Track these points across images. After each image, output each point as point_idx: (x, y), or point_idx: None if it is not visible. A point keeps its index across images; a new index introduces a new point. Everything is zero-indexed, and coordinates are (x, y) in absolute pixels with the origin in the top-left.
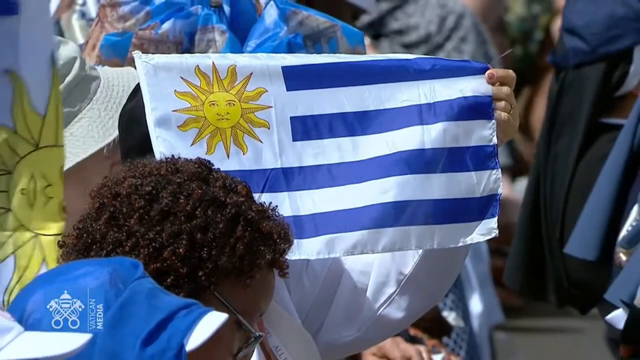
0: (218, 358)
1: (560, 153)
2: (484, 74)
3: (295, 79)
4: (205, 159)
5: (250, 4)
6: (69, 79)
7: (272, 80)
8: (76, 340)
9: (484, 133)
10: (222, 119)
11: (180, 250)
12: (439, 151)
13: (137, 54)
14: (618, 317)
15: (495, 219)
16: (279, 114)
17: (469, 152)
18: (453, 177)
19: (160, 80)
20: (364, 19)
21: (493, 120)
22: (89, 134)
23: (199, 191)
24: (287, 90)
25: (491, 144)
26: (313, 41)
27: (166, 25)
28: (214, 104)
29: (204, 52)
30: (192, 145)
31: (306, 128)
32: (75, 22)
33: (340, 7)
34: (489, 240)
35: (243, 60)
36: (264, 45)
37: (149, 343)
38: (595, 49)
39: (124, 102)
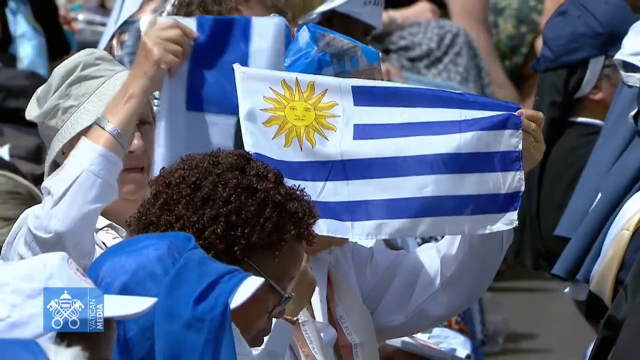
0: (256, 314)
1: None
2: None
3: (362, 96)
4: (245, 151)
5: (286, 27)
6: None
7: (343, 96)
8: (145, 302)
9: (512, 141)
10: (299, 119)
11: (219, 230)
12: (472, 155)
13: (236, 65)
14: (576, 289)
15: (516, 211)
16: (345, 122)
17: (497, 156)
18: (483, 177)
19: (253, 87)
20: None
21: (520, 130)
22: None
23: (235, 180)
24: (355, 105)
25: (517, 150)
26: (338, 59)
27: None
28: (293, 108)
29: None
30: (273, 139)
31: (365, 131)
32: None
33: (354, 25)
34: None
35: (321, 78)
36: (298, 62)
37: (200, 301)
38: (557, 58)
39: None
